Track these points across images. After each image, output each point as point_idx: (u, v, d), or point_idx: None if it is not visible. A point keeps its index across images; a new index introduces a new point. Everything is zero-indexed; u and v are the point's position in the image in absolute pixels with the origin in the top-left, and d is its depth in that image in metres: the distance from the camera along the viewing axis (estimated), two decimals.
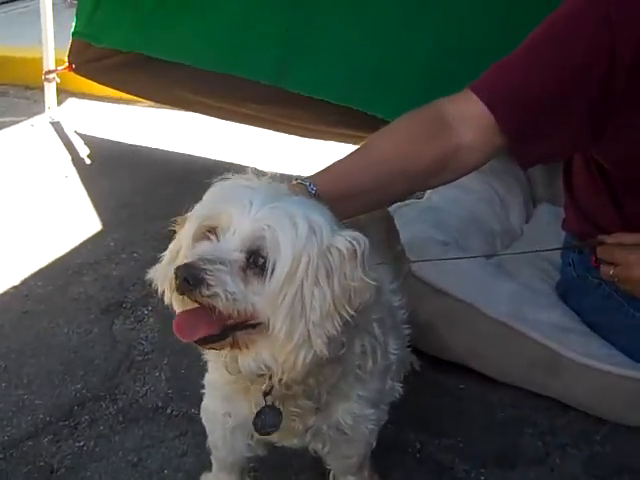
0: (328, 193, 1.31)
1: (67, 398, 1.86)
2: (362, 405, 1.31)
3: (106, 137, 3.50)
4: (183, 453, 1.70)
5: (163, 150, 3.36)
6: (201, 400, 1.46)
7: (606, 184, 1.81)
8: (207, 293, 1.05)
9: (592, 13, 1.49)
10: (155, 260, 2.49)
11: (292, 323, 1.08)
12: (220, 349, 1.14)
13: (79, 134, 3.48)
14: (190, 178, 3.05)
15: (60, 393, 1.87)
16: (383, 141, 1.55)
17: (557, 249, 1.94)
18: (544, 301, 2.02)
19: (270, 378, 1.15)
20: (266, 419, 1.25)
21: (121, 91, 3.47)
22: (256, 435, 1.36)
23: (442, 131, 1.51)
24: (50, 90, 3.59)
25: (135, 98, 3.65)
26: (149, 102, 3.68)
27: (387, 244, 1.56)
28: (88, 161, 3.25)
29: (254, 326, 1.10)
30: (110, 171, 3.13)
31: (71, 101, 3.86)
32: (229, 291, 1.05)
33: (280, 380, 1.14)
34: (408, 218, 2.33)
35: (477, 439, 1.76)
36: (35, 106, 3.85)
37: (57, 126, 3.56)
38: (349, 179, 1.43)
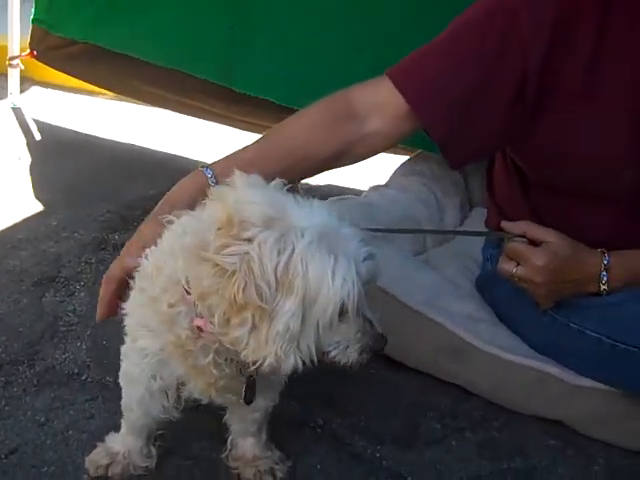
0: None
1: None
2: None
3: (62, 125, 3.52)
4: (90, 416, 1.74)
5: (113, 140, 3.40)
6: (118, 369, 1.49)
7: (519, 178, 1.88)
8: None
9: (500, 21, 1.57)
10: (94, 240, 2.52)
11: None
12: None
13: (37, 121, 3.52)
14: (135, 168, 3.11)
15: None
16: (290, 127, 1.61)
17: (464, 233, 1.95)
18: (461, 293, 2.08)
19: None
20: (252, 390, 1.36)
21: (79, 80, 3.49)
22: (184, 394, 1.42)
23: (349, 118, 1.58)
24: (13, 76, 3.61)
25: (97, 89, 3.68)
26: (111, 94, 3.72)
27: None
28: (42, 146, 3.28)
29: None
30: (61, 156, 3.16)
31: (34, 89, 3.89)
32: None
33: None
34: (340, 212, 2.39)
35: (379, 420, 1.81)
36: None
37: (17, 112, 3.59)
38: (250, 168, 1.48)
